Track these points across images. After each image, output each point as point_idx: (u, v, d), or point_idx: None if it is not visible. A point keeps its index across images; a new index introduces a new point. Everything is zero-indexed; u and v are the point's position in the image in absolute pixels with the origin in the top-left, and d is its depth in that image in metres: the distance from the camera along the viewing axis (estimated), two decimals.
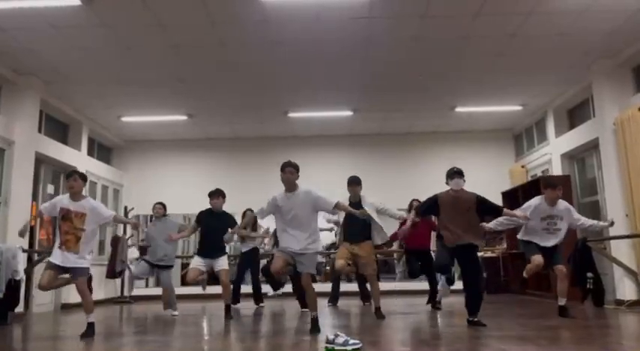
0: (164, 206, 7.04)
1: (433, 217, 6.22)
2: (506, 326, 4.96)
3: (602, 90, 7.30)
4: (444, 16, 5.82)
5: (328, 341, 3.84)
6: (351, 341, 3.80)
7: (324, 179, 8.07)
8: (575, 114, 8.77)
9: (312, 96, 8.38)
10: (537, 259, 5.35)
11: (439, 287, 7.40)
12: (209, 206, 6.41)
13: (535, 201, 5.51)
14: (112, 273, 9.22)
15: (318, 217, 4.91)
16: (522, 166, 10.06)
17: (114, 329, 5.69)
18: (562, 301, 5.54)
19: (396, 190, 8.82)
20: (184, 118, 9.30)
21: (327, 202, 4.75)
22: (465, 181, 5.04)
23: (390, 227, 7.40)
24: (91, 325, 4.79)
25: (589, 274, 6.71)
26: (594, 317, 5.78)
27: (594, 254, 6.88)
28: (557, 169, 8.84)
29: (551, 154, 9.05)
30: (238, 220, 6.79)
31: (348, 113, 9.25)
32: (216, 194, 6.38)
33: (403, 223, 6.59)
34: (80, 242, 4.74)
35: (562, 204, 5.49)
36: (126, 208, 10.33)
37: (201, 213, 6.45)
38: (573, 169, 8.72)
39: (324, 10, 5.66)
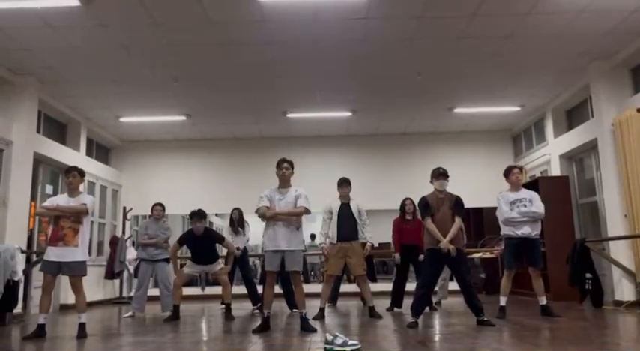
0: (164, 208, 7.13)
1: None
2: (504, 326, 4.97)
3: (600, 91, 7.32)
4: (442, 16, 5.83)
5: (327, 342, 3.84)
6: (350, 342, 3.80)
7: (322, 180, 8.07)
8: (574, 115, 8.79)
9: (310, 96, 8.37)
10: (509, 274, 5.68)
11: (437, 288, 7.40)
12: (190, 227, 6.50)
13: (501, 194, 5.81)
14: (111, 274, 9.23)
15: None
16: (521, 168, 10.07)
17: (112, 330, 5.68)
18: (542, 300, 5.66)
19: (393, 191, 8.81)
20: (183, 118, 9.30)
21: (301, 203, 4.94)
22: (448, 182, 5.22)
23: (385, 230, 7.43)
24: (83, 326, 4.86)
25: (587, 275, 6.74)
26: (592, 318, 5.78)
27: (593, 255, 6.91)
28: (555, 170, 8.85)
29: (549, 154, 9.07)
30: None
31: (347, 114, 9.25)
32: (197, 217, 6.35)
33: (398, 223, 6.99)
34: (78, 235, 4.89)
35: (526, 191, 5.77)
36: (125, 208, 10.32)
37: (184, 237, 6.54)
38: (572, 169, 8.73)
39: (321, 11, 5.66)
